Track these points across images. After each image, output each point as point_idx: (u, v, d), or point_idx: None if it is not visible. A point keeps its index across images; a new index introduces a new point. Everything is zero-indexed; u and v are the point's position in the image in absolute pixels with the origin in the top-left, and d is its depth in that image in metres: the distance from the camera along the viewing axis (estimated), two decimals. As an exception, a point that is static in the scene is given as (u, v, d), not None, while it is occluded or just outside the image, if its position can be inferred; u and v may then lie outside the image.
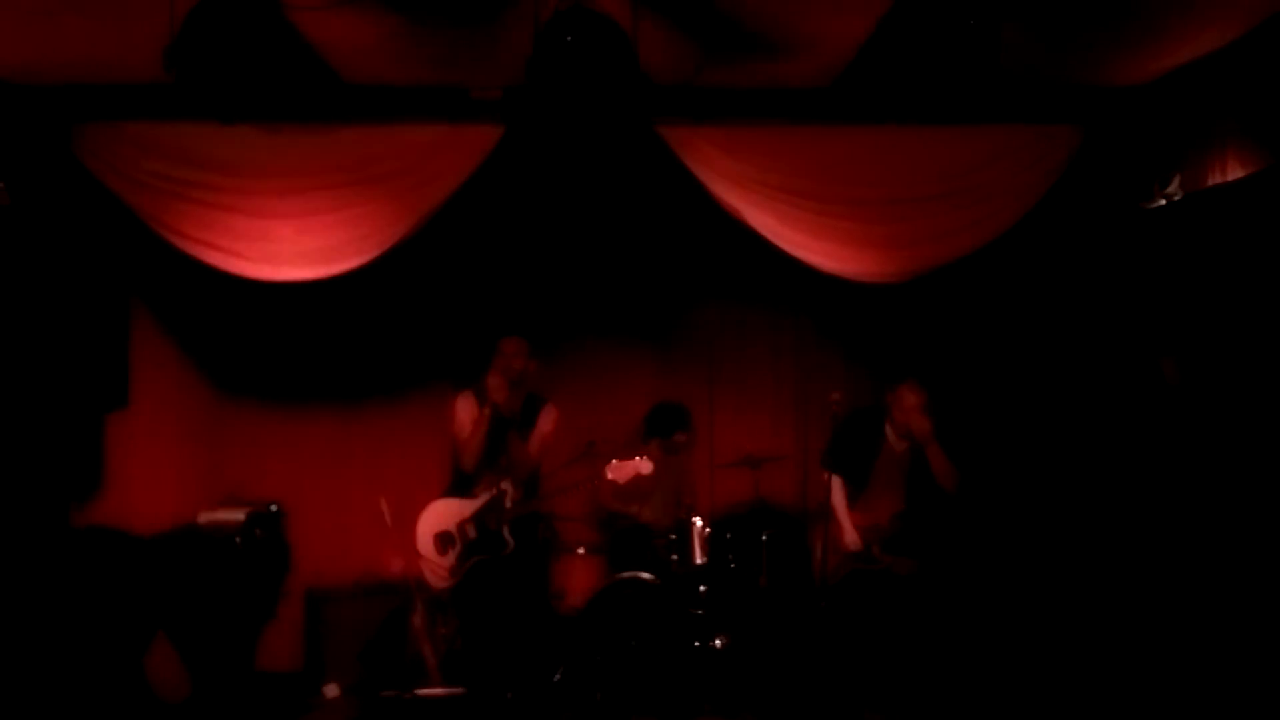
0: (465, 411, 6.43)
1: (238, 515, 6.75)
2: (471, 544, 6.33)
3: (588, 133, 5.92)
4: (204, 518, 6.77)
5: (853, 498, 6.54)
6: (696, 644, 6.43)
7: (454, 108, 6.12)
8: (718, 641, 6.50)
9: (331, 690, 6.68)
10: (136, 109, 6.01)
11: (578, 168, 7.11)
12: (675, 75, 5.63)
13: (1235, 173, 5.35)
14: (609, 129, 5.62)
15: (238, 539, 6.62)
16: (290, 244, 6.12)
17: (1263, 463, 5.05)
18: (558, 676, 6.29)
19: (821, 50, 5.53)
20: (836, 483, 6.50)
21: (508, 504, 6.32)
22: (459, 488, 6.47)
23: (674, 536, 6.72)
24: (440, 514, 6.40)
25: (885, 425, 6.49)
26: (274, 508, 7.04)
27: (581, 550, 6.84)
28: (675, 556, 6.66)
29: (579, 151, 6.78)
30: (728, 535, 6.86)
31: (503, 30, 5.14)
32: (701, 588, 6.64)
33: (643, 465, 6.42)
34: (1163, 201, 5.85)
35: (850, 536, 6.44)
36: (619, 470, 6.40)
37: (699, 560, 6.67)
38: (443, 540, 6.34)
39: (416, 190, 6.20)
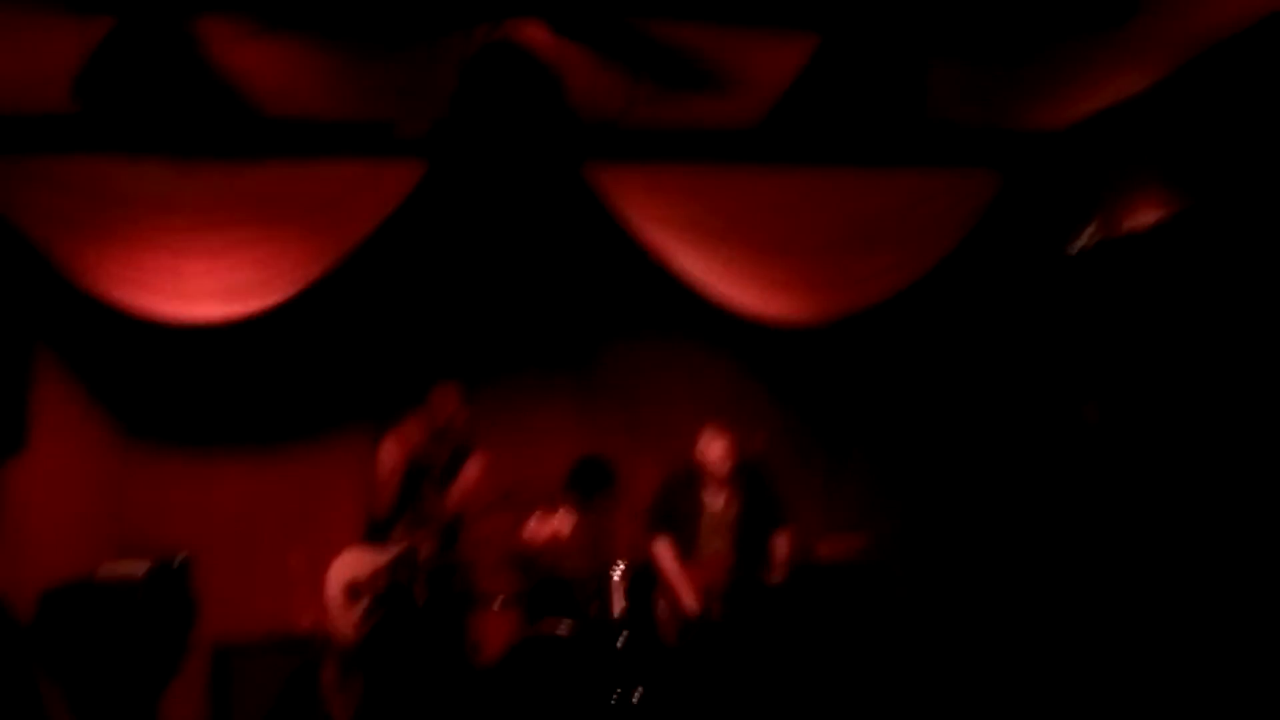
0: (389, 454, 6.26)
1: (140, 568, 6.45)
2: (381, 596, 6.13)
3: (512, 170, 5.87)
4: (105, 569, 6.46)
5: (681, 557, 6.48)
6: (616, 695, 6.29)
7: (376, 144, 6.04)
8: (635, 694, 6.37)
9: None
10: (43, 142, 5.82)
11: (501, 204, 7.03)
12: (602, 113, 5.61)
13: (1151, 217, 5.46)
14: (534, 167, 5.58)
15: (140, 592, 6.34)
16: (201, 281, 5.97)
17: (1181, 501, 5.12)
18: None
19: (748, 91, 5.55)
20: (663, 544, 6.49)
21: (421, 557, 6.15)
22: (374, 535, 6.29)
23: (593, 587, 6.59)
24: (352, 563, 6.21)
25: (700, 480, 6.47)
26: (180, 558, 6.77)
27: (499, 602, 6.67)
28: (594, 607, 6.54)
29: (503, 188, 6.71)
30: (647, 584, 6.76)
31: (428, 65, 5.08)
32: (620, 639, 6.52)
33: (562, 524, 6.33)
34: (1080, 246, 5.96)
35: (688, 599, 6.38)
36: (537, 529, 6.30)
37: (618, 609, 6.55)
38: (352, 591, 6.14)
39: (335, 228, 6.10)
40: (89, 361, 6.99)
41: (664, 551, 6.47)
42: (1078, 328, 5.99)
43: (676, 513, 6.51)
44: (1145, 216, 5.50)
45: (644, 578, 6.74)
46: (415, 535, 6.19)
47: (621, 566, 6.61)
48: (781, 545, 6.39)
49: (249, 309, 6.06)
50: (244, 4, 4.56)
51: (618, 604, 6.54)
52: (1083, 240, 5.92)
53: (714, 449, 6.36)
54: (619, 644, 6.45)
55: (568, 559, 6.86)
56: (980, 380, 6.86)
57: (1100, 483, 5.74)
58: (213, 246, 5.96)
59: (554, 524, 6.29)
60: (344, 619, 6.14)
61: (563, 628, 6.19)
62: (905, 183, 6.34)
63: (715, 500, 6.45)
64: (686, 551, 6.47)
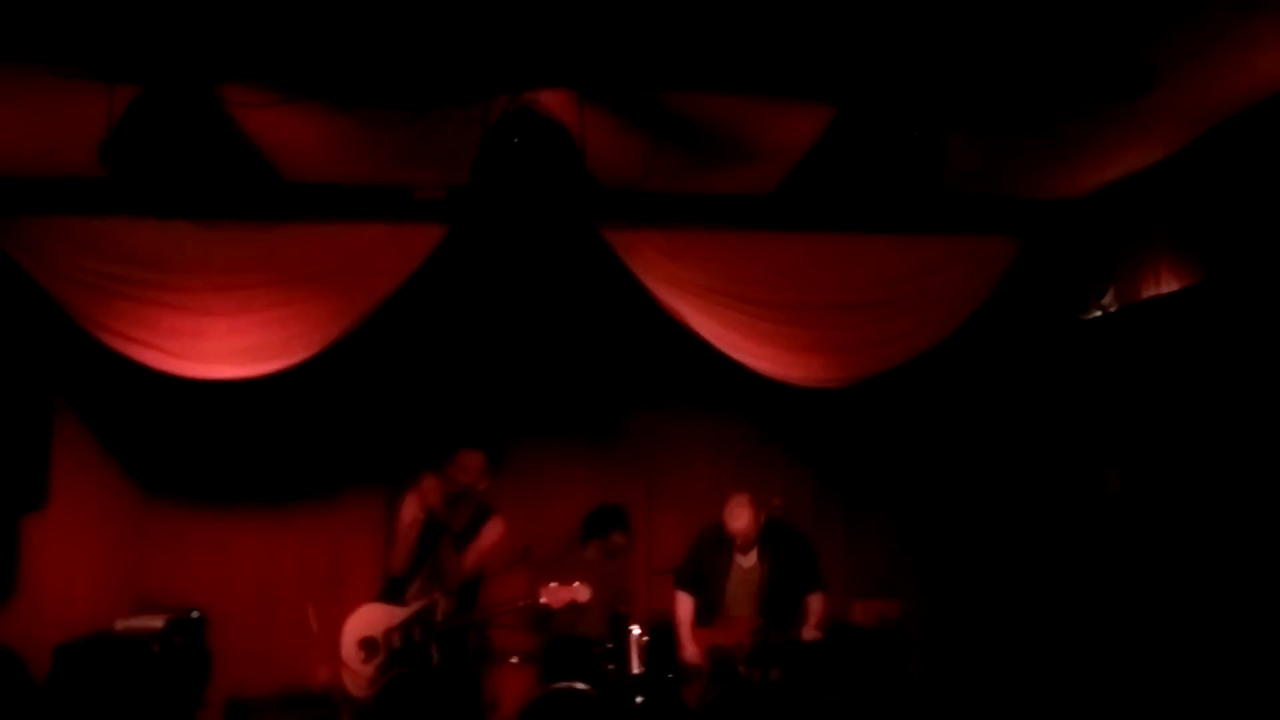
0: (408, 511, 6.25)
1: (156, 622, 6.50)
2: (396, 653, 6.10)
3: (532, 234, 5.90)
4: (121, 624, 6.50)
5: (707, 617, 6.45)
6: (633, 756, 6.25)
7: (396, 207, 6.08)
8: (654, 755, 6.32)
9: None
10: (70, 203, 5.88)
11: (521, 267, 7.07)
12: (621, 179, 5.65)
13: (1169, 285, 5.46)
14: (553, 231, 5.61)
15: (156, 646, 6.35)
16: (222, 341, 6.01)
17: (1203, 569, 5.07)
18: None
19: (765, 159, 5.59)
20: (684, 600, 6.49)
21: (438, 616, 6.12)
22: (391, 592, 6.27)
23: (611, 645, 6.56)
24: (368, 619, 6.19)
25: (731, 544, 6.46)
26: (195, 614, 6.80)
27: (515, 659, 6.64)
28: (612, 666, 6.50)
29: (523, 252, 6.75)
30: (666, 644, 6.71)
31: (449, 131, 5.12)
32: (639, 698, 6.46)
33: (579, 592, 6.28)
34: (1098, 313, 5.96)
35: (690, 651, 6.38)
36: (555, 594, 6.26)
37: (636, 670, 6.52)
38: (367, 647, 6.12)
39: (354, 290, 6.13)
40: (107, 419, 7.06)
41: (681, 606, 6.46)
42: (1097, 393, 5.96)
43: (705, 571, 6.48)
44: (1163, 284, 5.49)
45: (663, 639, 6.71)
46: (432, 594, 6.16)
47: (638, 629, 6.59)
48: (815, 606, 6.34)
49: (268, 369, 6.09)
50: (267, 72, 4.62)
51: (636, 664, 6.51)
52: (1102, 306, 5.90)
53: (740, 519, 6.35)
54: (637, 704, 6.42)
55: (586, 616, 6.84)
56: (1000, 444, 6.83)
57: (1121, 551, 5.69)
58: (234, 307, 6.00)
59: (572, 591, 6.25)
60: (358, 674, 6.11)
61: (580, 686, 6.15)
62: (924, 248, 6.35)
63: (745, 560, 6.42)
64: (715, 610, 6.43)
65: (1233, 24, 4.10)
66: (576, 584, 6.31)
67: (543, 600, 6.27)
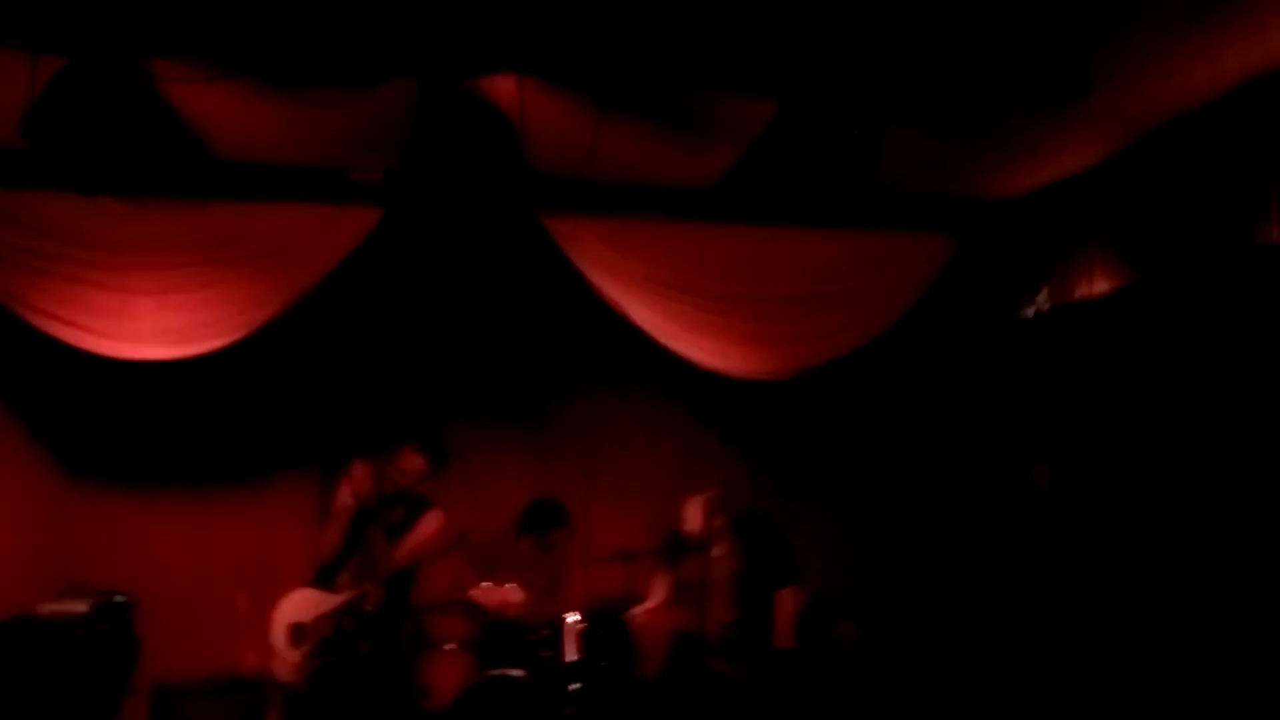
0: (341, 497, 6.17)
1: (82, 606, 6.35)
2: (325, 641, 6.03)
3: (468, 218, 5.84)
4: (45, 608, 6.35)
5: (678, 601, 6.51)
6: (567, 743, 6.24)
7: (332, 189, 5.99)
8: (588, 742, 6.32)
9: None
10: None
11: (458, 251, 6.97)
12: (562, 167, 5.61)
13: (1101, 286, 5.53)
14: (491, 216, 5.56)
15: (80, 631, 6.23)
16: (149, 321, 5.90)
17: (1131, 565, 5.14)
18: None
19: (708, 151, 5.57)
20: (658, 578, 6.60)
21: (368, 605, 6.06)
22: (323, 578, 6.19)
23: (547, 633, 6.53)
24: (298, 604, 6.09)
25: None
26: (121, 598, 6.66)
27: (451, 646, 6.58)
28: (548, 653, 6.48)
29: (459, 236, 6.67)
30: (601, 631, 6.71)
31: (386, 112, 5.05)
32: (573, 685, 6.46)
33: (512, 594, 6.26)
34: (1032, 312, 6.01)
35: (640, 622, 6.51)
36: (487, 595, 6.24)
37: (571, 657, 6.51)
38: (296, 633, 6.03)
39: (288, 271, 6.04)
40: (28, 398, 6.88)
41: (655, 583, 6.56)
42: (1029, 390, 6.03)
43: (680, 559, 6.52)
44: (1096, 285, 5.55)
45: (598, 625, 6.71)
46: (363, 583, 6.09)
47: (576, 615, 6.58)
48: (786, 603, 6.29)
49: (197, 350, 6.00)
50: (197, 47, 4.52)
51: (571, 651, 6.51)
52: (1036, 305, 5.96)
53: (691, 521, 6.40)
54: (571, 690, 6.42)
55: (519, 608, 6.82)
56: (935, 439, 6.88)
57: (1051, 544, 5.76)
58: (162, 286, 5.88)
59: (504, 593, 6.23)
60: (287, 660, 6.03)
61: (515, 673, 6.13)
62: (862, 243, 6.39)
63: (717, 550, 6.39)
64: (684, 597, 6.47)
65: (1166, 36, 4.15)
66: (509, 585, 6.29)
67: (474, 598, 6.24)
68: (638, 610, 6.53)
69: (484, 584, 6.26)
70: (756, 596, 6.29)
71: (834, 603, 6.78)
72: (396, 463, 6.11)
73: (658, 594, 6.61)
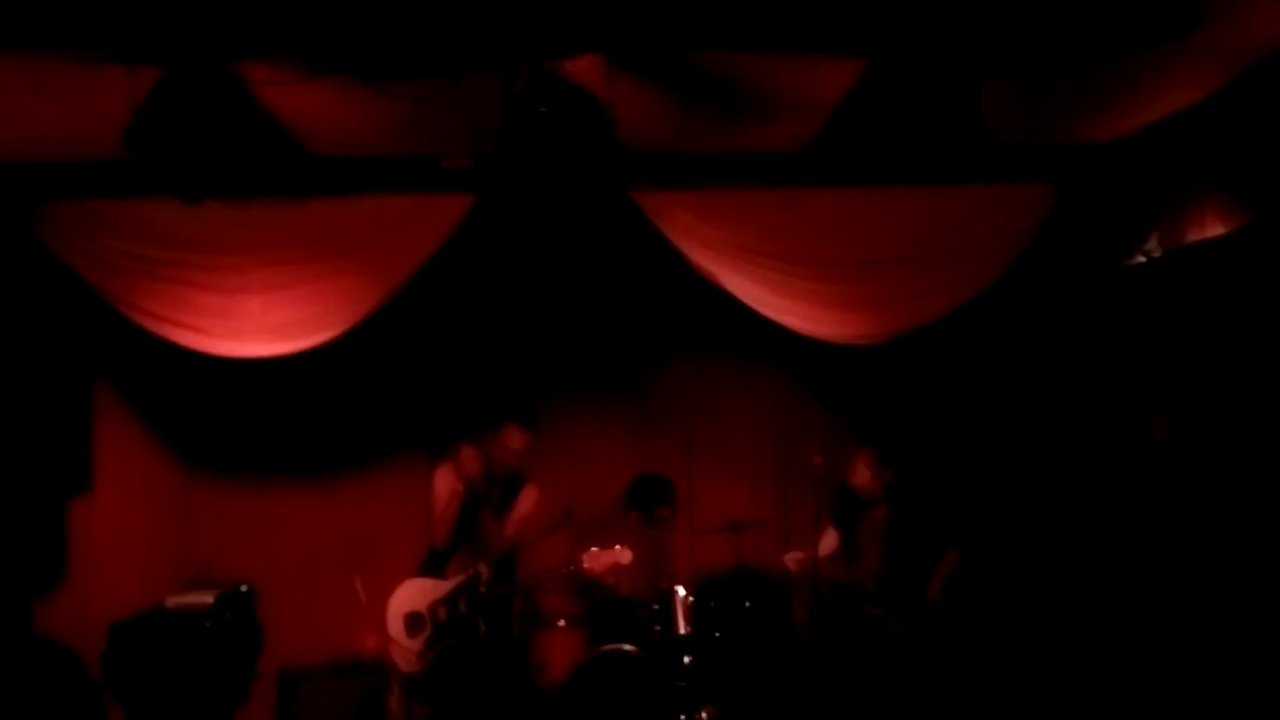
0: (444, 484, 6.27)
1: (207, 597, 6.57)
2: (442, 627, 6.14)
3: (561, 200, 5.83)
4: (172, 601, 6.57)
5: (847, 558, 6.58)
6: (682, 717, 6.26)
7: (424, 178, 6.03)
8: (704, 714, 6.34)
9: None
10: (99, 187, 5.89)
11: (550, 231, 7.02)
12: (650, 142, 5.58)
13: (1214, 229, 5.32)
14: (582, 196, 5.54)
15: (207, 622, 6.44)
16: (257, 319, 6.02)
17: (1254, 521, 4.98)
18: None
19: (796, 115, 5.48)
20: (828, 534, 6.67)
21: (482, 587, 6.14)
22: (432, 566, 6.30)
23: (656, 606, 6.58)
24: (411, 594, 6.22)
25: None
26: (244, 588, 6.87)
27: (562, 623, 6.68)
28: (658, 627, 6.52)
29: (552, 217, 6.69)
30: (711, 603, 6.72)
31: (474, 98, 5.05)
32: (686, 658, 6.48)
33: (621, 555, 6.32)
34: (1142, 259, 5.83)
35: (792, 565, 6.61)
36: (596, 559, 6.32)
37: (683, 630, 6.54)
38: (412, 622, 6.16)
39: (386, 262, 6.11)
40: (148, 397, 7.11)
41: (824, 540, 6.65)
42: (1142, 342, 5.85)
43: (844, 515, 6.67)
44: (1209, 227, 5.35)
45: (707, 597, 6.73)
46: (473, 565, 6.18)
47: (683, 590, 6.60)
48: (950, 561, 6.32)
49: (303, 345, 6.10)
50: (286, 49, 4.56)
51: (682, 625, 6.53)
52: (1145, 251, 5.78)
53: (857, 475, 6.55)
54: (685, 664, 6.44)
55: (629, 580, 6.85)
56: (1042, 395, 6.73)
57: (1171, 502, 5.60)
58: (266, 284, 6.01)
59: (614, 555, 6.27)
60: (406, 650, 6.15)
61: (628, 647, 6.18)
62: (959, 199, 6.22)
63: (875, 512, 6.53)
64: (852, 553, 6.60)
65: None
66: (617, 547, 6.33)
67: (585, 565, 6.29)
68: (793, 556, 6.64)
69: (592, 549, 6.29)
70: (913, 551, 6.32)
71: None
72: (502, 441, 6.18)
73: (827, 545, 6.68)
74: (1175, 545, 5.53)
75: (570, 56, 4.56)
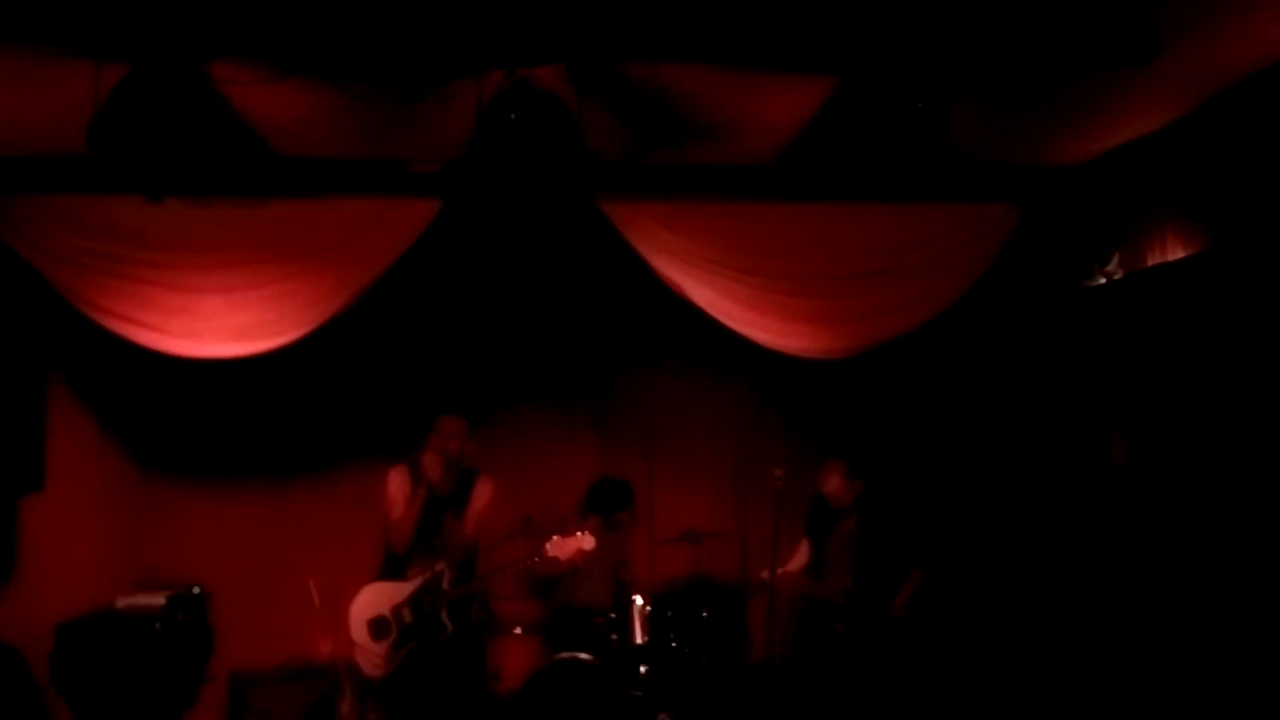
0: (398, 488, 6.19)
1: (158, 599, 6.50)
2: (407, 629, 6.08)
3: (529, 207, 5.83)
4: (122, 602, 6.49)
5: (816, 571, 6.58)
6: (638, 725, 6.27)
7: (391, 181, 5.99)
8: (659, 722, 6.34)
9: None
10: (60, 182, 5.80)
11: (517, 238, 7.01)
12: (619, 152, 5.58)
13: (1175, 252, 5.41)
14: (550, 204, 5.54)
15: (157, 623, 6.37)
16: (217, 320, 5.96)
17: (1211, 539, 5.05)
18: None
19: (765, 130, 5.51)
20: (801, 547, 6.72)
21: (445, 585, 6.10)
22: (391, 570, 6.22)
23: (613, 615, 6.59)
24: (373, 599, 6.15)
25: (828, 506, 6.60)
26: (196, 590, 6.79)
27: (519, 630, 6.66)
28: (615, 636, 6.53)
29: (520, 224, 6.67)
30: (668, 613, 6.73)
31: (444, 104, 5.04)
32: (642, 667, 6.49)
33: (584, 541, 6.29)
34: (1103, 280, 5.91)
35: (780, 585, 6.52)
36: (560, 547, 6.27)
37: (639, 639, 6.55)
38: (377, 626, 6.09)
39: (351, 265, 6.07)
40: (103, 396, 7.00)
41: (796, 551, 6.71)
42: (1103, 360, 5.92)
43: (816, 527, 6.70)
44: (1170, 250, 5.44)
45: (665, 607, 6.73)
46: (433, 566, 6.13)
47: (641, 599, 6.60)
48: (915, 579, 6.36)
49: (264, 347, 6.05)
50: (255, 49, 4.52)
51: (639, 633, 6.53)
52: (1106, 273, 5.85)
53: (828, 484, 6.57)
54: (641, 673, 6.44)
55: (587, 587, 6.84)
56: (1002, 413, 6.80)
57: (1129, 518, 5.67)
58: (228, 285, 5.95)
59: (577, 541, 6.26)
60: (373, 654, 6.08)
61: (584, 656, 6.16)
62: (926, 217, 6.30)
63: (845, 524, 6.55)
64: (820, 566, 6.61)
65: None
66: (579, 533, 6.30)
67: (550, 553, 6.26)
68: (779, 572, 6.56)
69: (555, 537, 6.28)
70: (881, 566, 6.35)
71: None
72: (441, 432, 6.13)
73: (799, 558, 6.72)
74: (1132, 561, 5.59)
75: (542, 64, 4.55)
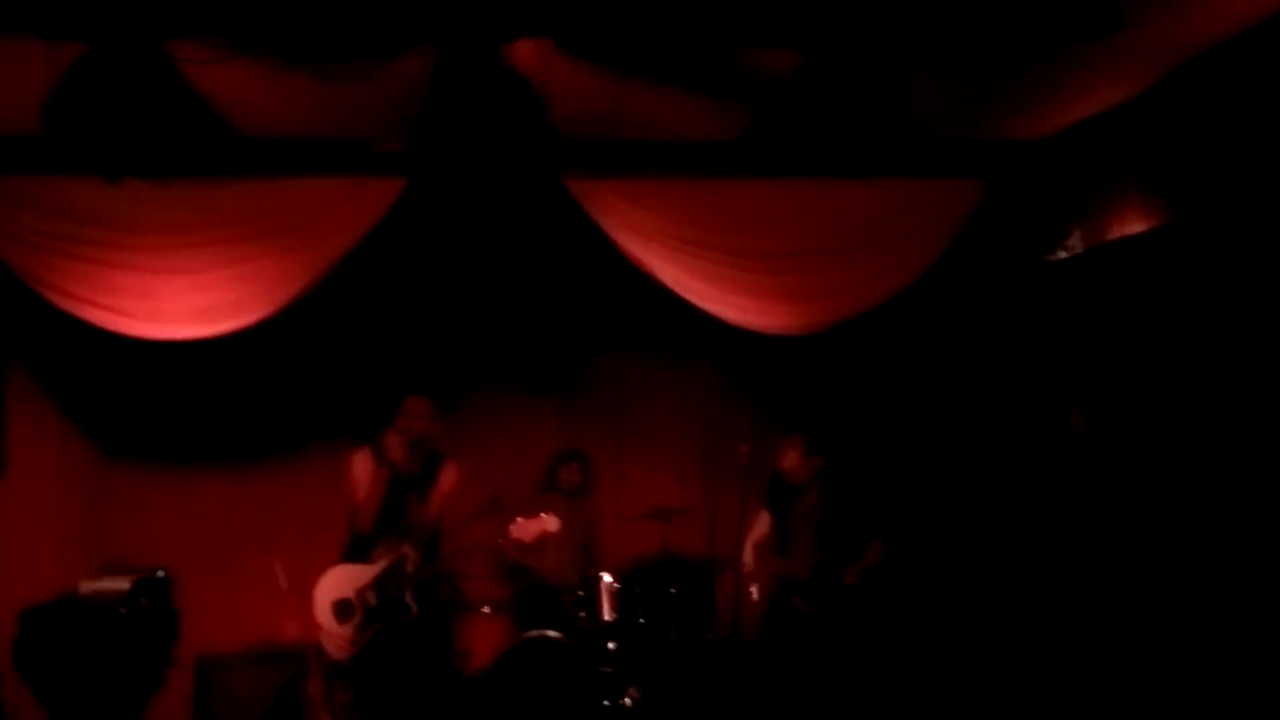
0: (362, 470, 6.17)
1: (122, 583, 6.43)
2: (372, 611, 6.07)
3: (492, 185, 5.79)
4: (86, 586, 6.42)
5: (780, 547, 6.57)
6: (606, 702, 6.29)
7: (355, 160, 5.94)
8: (628, 699, 6.37)
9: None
10: (16, 163, 5.71)
11: (482, 217, 6.95)
12: (584, 128, 5.55)
13: (1135, 226, 5.45)
14: (514, 181, 5.51)
15: (122, 608, 6.30)
16: (178, 301, 5.90)
17: (1168, 511, 5.11)
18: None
19: (729, 105, 5.49)
20: (762, 517, 6.67)
21: (409, 568, 6.09)
22: (356, 552, 6.20)
23: (581, 593, 6.59)
24: (338, 581, 6.13)
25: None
26: (161, 573, 6.73)
27: (487, 609, 6.65)
28: (583, 613, 6.54)
29: (484, 202, 6.63)
30: (636, 590, 6.77)
31: (406, 80, 4.99)
32: (610, 644, 6.51)
33: (548, 522, 6.31)
34: (1064, 254, 5.95)
35: (747, 558, 6.60)
36: (524, 529, 6.30)
37: (607, 616, 6.57)
38: (342, 609, 6.08)
39: (314, 245, 6.02)
40: (64, 380, 6.92)
41: (757, 522, 6.69)
42: (1063, 334, 5.97)
43: (776, 502, 6.65)
44: (1130, 224, 5.48)
45: (633, 584, 6.75)
46: (398, 548, 6.12)
47: (609, 576, 6.62)
48: (874, 552, 6.36)
49: (226, 328, 5.99)
50: (215, 28, 4.47)
51: (607, 611, 6.55)
52: (1067, 247, 5.90)
53: (785, 460, 6.55)
54: (610, 650, 6.46)
55: (554, 564, 6.85)
56: (967, 388, 6.85)
57: (1088, 491, 5.74)
58: (189, 266, 5.88)
59: (541, 523, 6.29)
60: (336, 637, 6.07)
61: (552, 634, 6.18)
62: (890, 191, 6.30)
63: (806, 499, 6.53)
64: (785, 541, 6.57)
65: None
66: (543, 515, 6.33)
67: (514, 535, 6.28)
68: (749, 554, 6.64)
69: (518, 519, 6.29)
70: (844, 540, 6.35)
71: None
72: (406, 412, 6.12)
73: (759, 530, 6.70)
74: (1091, 533, 5.66)
75: (505, 40, 4.52)
